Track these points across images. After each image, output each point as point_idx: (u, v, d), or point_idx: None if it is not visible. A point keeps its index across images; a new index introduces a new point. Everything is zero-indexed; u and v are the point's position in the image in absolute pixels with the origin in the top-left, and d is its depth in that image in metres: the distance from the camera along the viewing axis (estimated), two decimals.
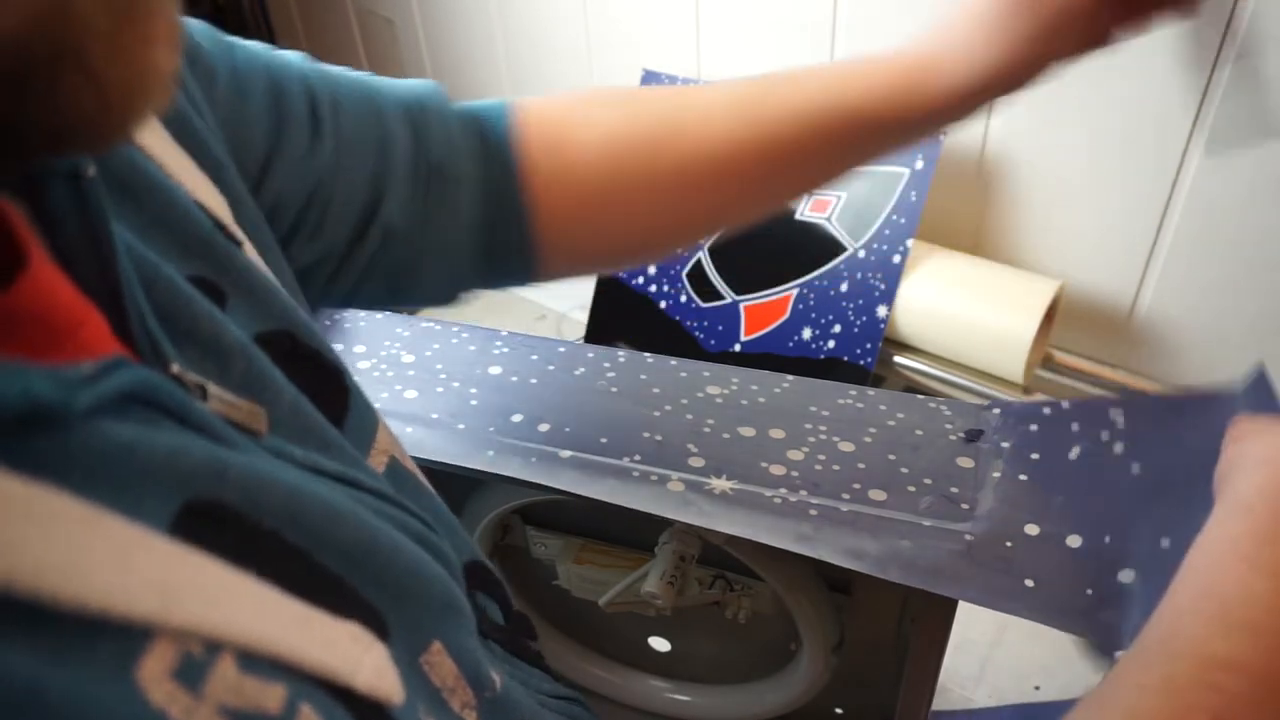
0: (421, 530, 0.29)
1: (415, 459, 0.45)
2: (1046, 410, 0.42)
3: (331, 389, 0.30)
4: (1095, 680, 0.30)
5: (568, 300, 1.06)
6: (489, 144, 0.38)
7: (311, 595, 0.23)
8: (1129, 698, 0.28)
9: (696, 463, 0.42)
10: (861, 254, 0.77)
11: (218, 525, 0.21)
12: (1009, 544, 0.37)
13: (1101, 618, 0.35)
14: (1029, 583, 0.36)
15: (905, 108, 0.38)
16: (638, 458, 0.43)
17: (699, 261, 0.85)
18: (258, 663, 0.20)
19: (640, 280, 0.89)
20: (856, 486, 0.40)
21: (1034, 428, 0.42)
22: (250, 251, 0.30)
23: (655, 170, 0.38)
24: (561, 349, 0.49)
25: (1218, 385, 0.37)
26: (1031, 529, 0.38)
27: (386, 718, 0.24)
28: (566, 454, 0.43)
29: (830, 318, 0.79)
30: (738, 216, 0.41)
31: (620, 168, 0.38)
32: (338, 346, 0.50)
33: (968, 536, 0.38)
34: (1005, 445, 0.41)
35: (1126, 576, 0.36)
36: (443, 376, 0.47)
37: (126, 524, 0.19)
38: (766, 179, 0.39)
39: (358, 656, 0.24)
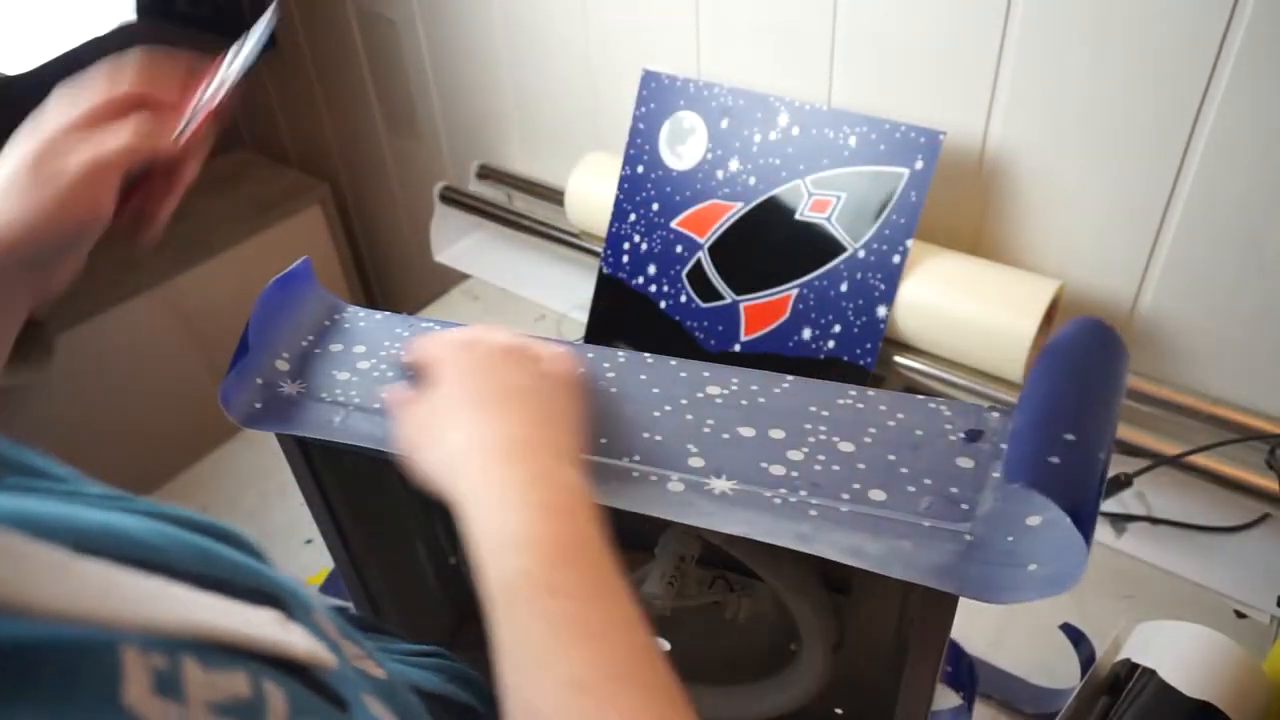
0: (219, 525, 0.29)
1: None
2: None
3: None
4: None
5: (568, 300, 1.06)
6: None
7: (217, 592, 0.24)
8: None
9: (696, 463, 0.42)
10: (861, 254, 0.77)
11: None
12: (1010, 538, 0.37)
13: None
14: (1032, 567, 0.36)
15: None
16: (637, 458, 0.43)
17: (699, 261, 0.85)
18: (214, 656, 0.21)
19: (640, 280, 0.89)
20: (856, 487, 0.40)
21: None
22: None
23: None
24: (561, 349, 0.49)
25: None
26: (1033, 520, 0.38)
27: (327, 685, 0.26)
28: None
29: (830, 318, 0.79)
30: None
31: None
32: (338, 347, 0.50)
33: (968, 536, 0.38)
34: (1005, 447, 0.41)
35: None
36: None
37: (45, 547, 0.20)
38: None
39: (287, 633, 0.25)
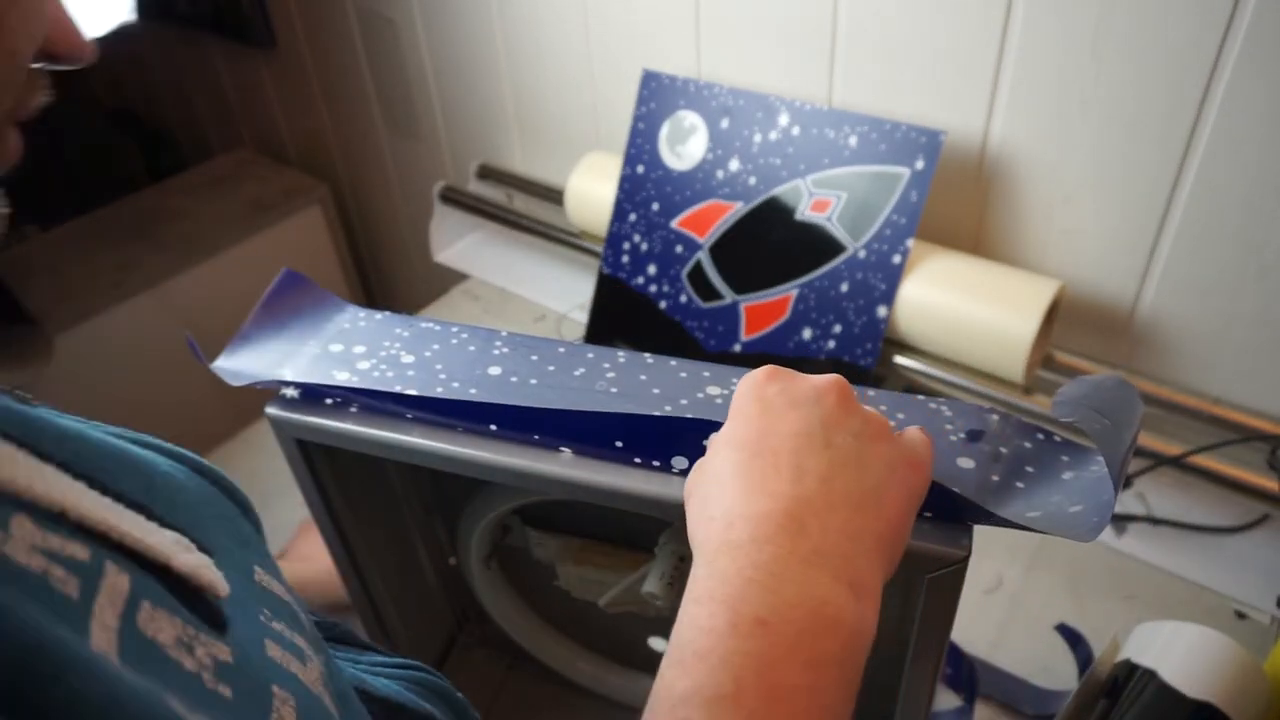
0: (198, 462, 0.31)
1: (416, 460, 0.45)
2: (1040, 436, 0.42)
3: None
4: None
5: (568, 300, 1.06)
6: None
7: (131, 506, 0.25)
8: None
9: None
10: (861, 254, 0.77)
11: (14, 444, 0.23)
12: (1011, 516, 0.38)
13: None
14: (1032, 513, 0.38)
15: None
16: (637, 460, 0.43)
17: (699, 262, 0.85)
18: (56, 524, 0.23)
19: (640, 280, 0.89)
20: None
21: (1028, 445, 0.42)
22: None
23: None
24: (561, 349, 0.49)
25: None
26: (1033, 514, 0.38)
27: (213, 607, 0.26)
28: (567, 453, 0.43)
29: (830, 318, 0.79)
30: None
31: None
32: (338, 347, 0.50)
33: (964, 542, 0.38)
34: (1004, 451, 0.41)
35: None
36: (442, 377, 0.47)
37: None
38: None
39: (176, 550, 0.26)
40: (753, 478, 0.32)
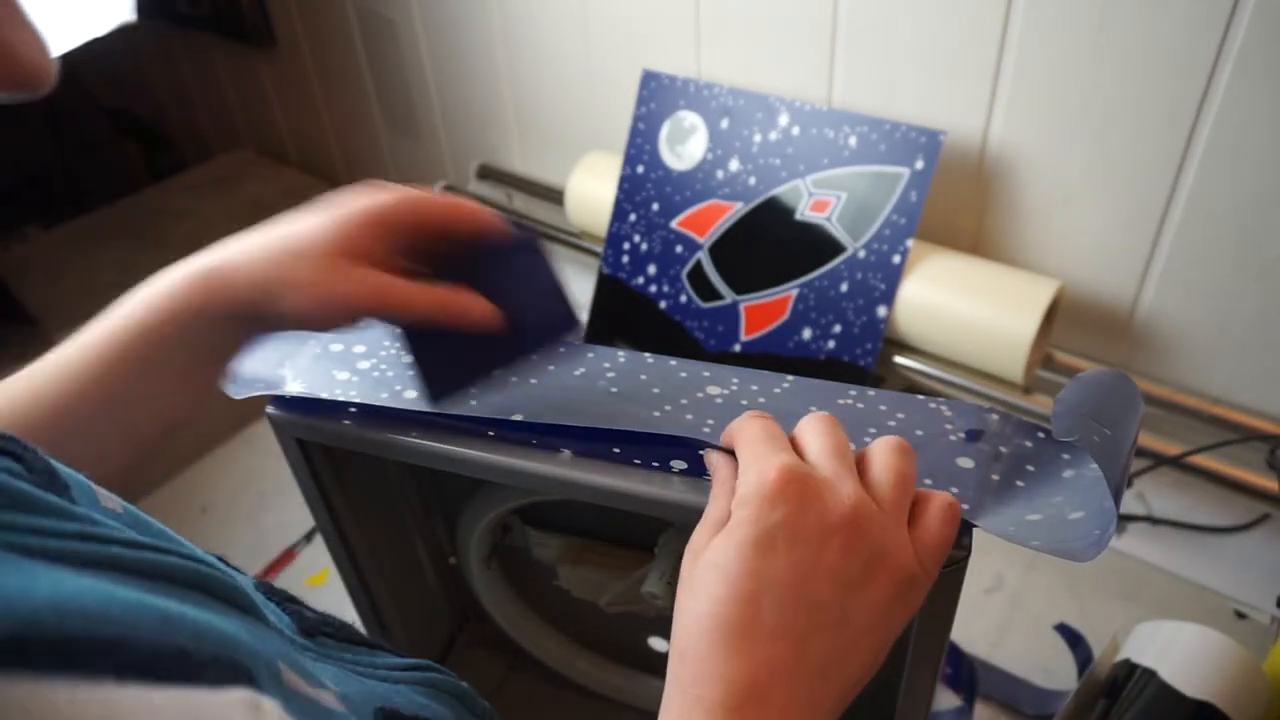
0: (190, 566, 0.26)
1: (416, 460, 0.45)
2: (1040, 434, 0.42)
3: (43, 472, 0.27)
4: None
5: None
6: None
7: (174, 678, 0.21)
8: None
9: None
10: (861, 254, 0.77)
11: (18, 656, 0.19)
12: (1011, 528, 0.38)
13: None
14: (1033, 515, 0.38)
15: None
16: (637, 461, 0.43)
17: (699, 262, 0.85)
18: None
19: (640, 280, 0.89)
20: None
21: (1028, 444, 0.42)
22: None
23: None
24: (561, 349, 0.49)
25: None
26: (1034, 516, 0.38)
27: None
28: (567, 453, 0.43)
29: (830, 318, 0.79)
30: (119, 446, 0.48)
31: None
32: (338, 347, 0.50)
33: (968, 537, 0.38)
34: (1004, 450, 0.41)
35: None
36: None
37: None
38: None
39: (258, 717, 0.23)
40: (730, 626, 0.33)
